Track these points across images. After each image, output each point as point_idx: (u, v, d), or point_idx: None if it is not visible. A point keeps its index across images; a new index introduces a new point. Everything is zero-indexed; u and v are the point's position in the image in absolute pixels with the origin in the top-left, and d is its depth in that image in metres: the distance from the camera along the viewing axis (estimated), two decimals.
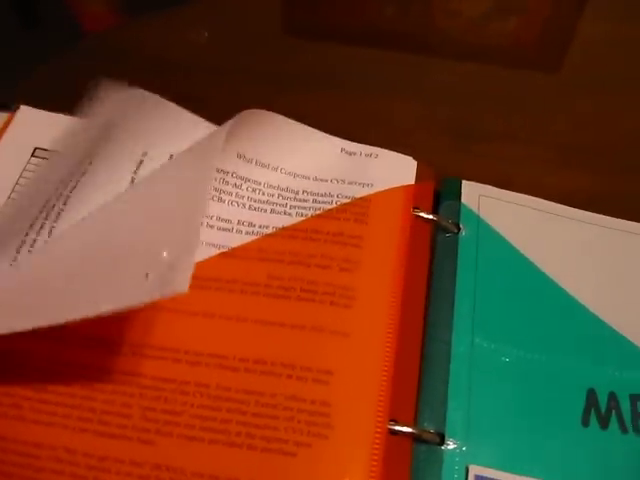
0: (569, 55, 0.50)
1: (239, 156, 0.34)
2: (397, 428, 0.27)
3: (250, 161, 0.34)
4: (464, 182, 0.36)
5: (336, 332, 0.29)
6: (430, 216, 0.34)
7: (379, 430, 0.27)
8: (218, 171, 0.34)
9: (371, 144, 0.36)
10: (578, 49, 0.50)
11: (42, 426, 0.26)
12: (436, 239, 0.34)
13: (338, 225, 0.32)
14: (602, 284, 0.33)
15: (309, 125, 0.36)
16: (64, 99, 0.36)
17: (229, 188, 0.33)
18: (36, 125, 0.36)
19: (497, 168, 0.40)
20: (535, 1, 0.58)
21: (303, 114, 0.41)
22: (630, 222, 0.35)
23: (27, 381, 0.27)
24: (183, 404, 0.27)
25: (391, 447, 0.27)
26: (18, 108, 0.37)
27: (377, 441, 0.26)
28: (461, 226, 0.34)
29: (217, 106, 0.42)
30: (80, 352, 0.28)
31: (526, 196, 0.36)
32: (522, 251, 0.34)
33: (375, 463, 0.26)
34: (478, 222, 0.34)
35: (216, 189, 0.33)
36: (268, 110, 0.37)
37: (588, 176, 0.40)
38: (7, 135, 0.35)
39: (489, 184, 0.36)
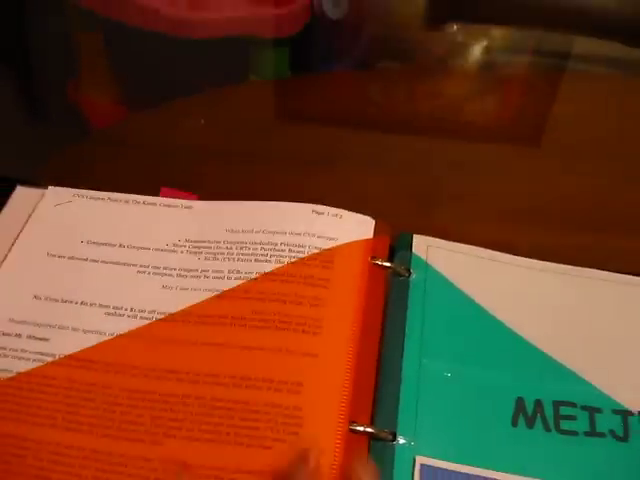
0: (536, 132, 0.59)
1: (227, 230, 0.42)
2: (357, 428, 0.34)
3: (238, 231, 0.42)
4: (415, 235, 0.43)
5: (306, 353, 0.36)
6: (386, 263, 0.41)
7: (340, 429, 0.33)
8: (211, 242, 0.42)
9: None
10: (545, 125, 0.59)
11: (72, 432, 0.33)
12: (391, 282, 0.41)
13: (309, 270, 0.39)
14: (529, 313, 0.40)
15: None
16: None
17: (221, 250, 0.41)
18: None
19: (451, 226, 0.47)
20: (509, 85, 0.67)
21: (288, 187, 0.49)
22: (552, 264, 0.43)
23: (57, 396, 0.34)
24: (185, 413, 0.34)
25: (351, 443, 0.33)
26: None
27: (338, 438, 0.33)
28: (412, 271, 0.41)
29: (213, 185, 0.50)
30: (102, 375, 0.35)
31: (466, 245, 0.43)
32: (462, 289, 0.41)
33: (337, 455, 0.32)
34: (426, 267, 0.42)
35: (210, 253, 0.41)
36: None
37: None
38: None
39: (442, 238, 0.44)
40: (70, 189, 0.45)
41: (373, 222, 0.43)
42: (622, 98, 0.61)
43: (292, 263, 0.40)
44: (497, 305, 0.40)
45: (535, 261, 0.43)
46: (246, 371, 0.35)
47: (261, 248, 0.41)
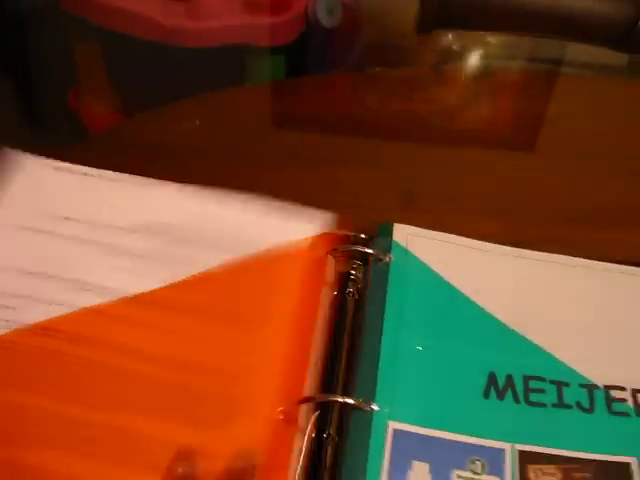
0: (525, 134, 0.61)
1: (187, 219, 0.44)
2: (337, 399, 0.36)
3: (197, 220, 0.44)
4: (395, 225, 0.46)
5: (251, 342, 0.38)
6: (368, 250, 0.44)
7: (284, 408, 0.36)
8: (171, 226, 0.43)
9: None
10: (533, 127, 0.61)
11: (36, 395, 0.36)
12: (373, 267, 0.43)
13: (260, 264, 0.42)
14: (502, 294, 0.43)
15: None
16: None
17: (179, 237, 0.43)
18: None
19: (437, 220, 0.50)
20: (502, 90, 0.69)
21: (280, 186, 0.51)
22: (525, 250, 0.45)
23: (23, 361, 0.37)
24: (134, 387, 0.36)
25: (283, 430, 0.35)
26: None
27: (273, 423, 0.35)
28: (392, 256, 0.44)
29: (205, 181, 0.52)
30: (64, 344, 0.38)
31: (443, 233, 0.45)
32: (439, 272, 0.43)
33: (285, 432, 0.35)
34: (406, 253, 0.44)
35: (168, 240, 0.43)
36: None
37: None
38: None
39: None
40: (46, 160, 0.46)
41: (331, 216, 0.44)
42: (608, 99, 0.64)
43: (245, 257, 0.42)
44: (473, 288, 0.43)
45: (509, 248, 0.45)
46: (191, 356, 0.37)
47: (217, 240, 0.43)
